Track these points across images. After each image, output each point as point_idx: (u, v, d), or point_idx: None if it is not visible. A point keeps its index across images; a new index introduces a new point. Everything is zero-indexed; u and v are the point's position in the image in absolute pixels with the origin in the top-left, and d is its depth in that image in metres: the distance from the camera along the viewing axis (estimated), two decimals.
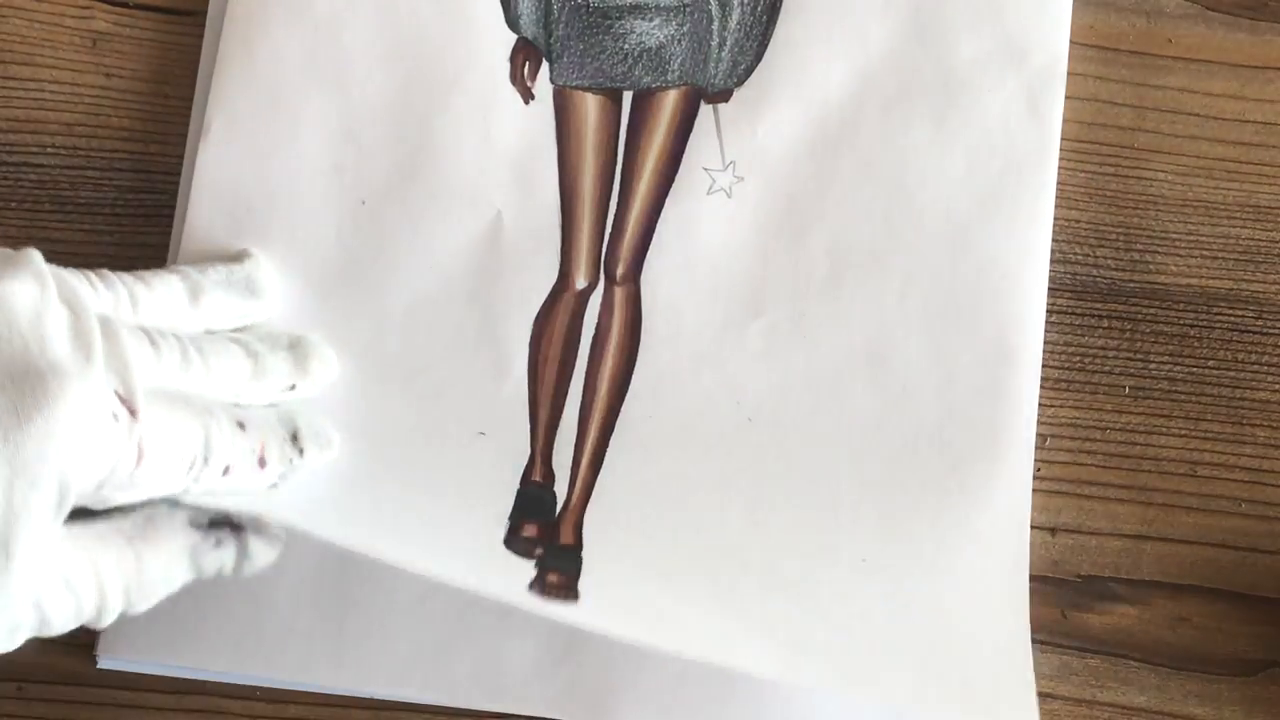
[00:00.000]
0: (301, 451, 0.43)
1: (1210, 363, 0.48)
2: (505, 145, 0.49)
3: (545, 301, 0.48)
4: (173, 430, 0.37)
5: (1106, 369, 0.48)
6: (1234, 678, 0.46)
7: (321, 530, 0.43)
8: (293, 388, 0.44)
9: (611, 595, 0.46)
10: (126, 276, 0.41)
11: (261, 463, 0.41)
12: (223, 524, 0.41)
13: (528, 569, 0.46)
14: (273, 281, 0.46)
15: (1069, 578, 0.47)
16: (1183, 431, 0.48)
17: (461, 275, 0.48)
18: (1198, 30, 0.50)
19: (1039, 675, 0.46)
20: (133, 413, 0.36)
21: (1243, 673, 0.46)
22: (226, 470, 0.39)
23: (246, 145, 0.49)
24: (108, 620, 0.38)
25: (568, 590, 0.46)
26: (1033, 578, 0.46)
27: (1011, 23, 0.49)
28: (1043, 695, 0.46)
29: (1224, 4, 0.50)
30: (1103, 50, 0.50)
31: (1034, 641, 0.46)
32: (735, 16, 0.49)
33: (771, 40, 0.49)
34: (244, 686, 0.45)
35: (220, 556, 0.41)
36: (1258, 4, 0.50)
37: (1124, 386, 0.48)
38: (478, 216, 0.48)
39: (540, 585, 0.45)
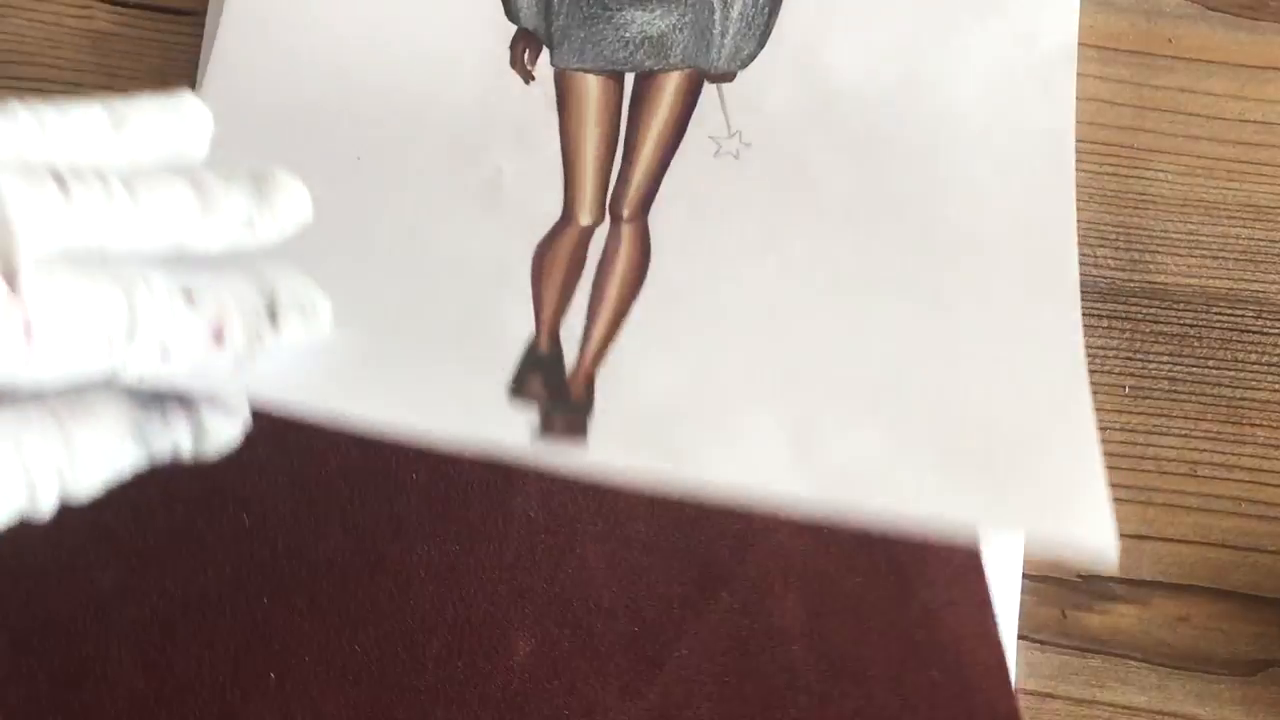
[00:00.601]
0: (277, 323, 0.36)
1: (1210, 363, 0.48)
2: (505, 126, 0.48)
3: (547, 235, 0.46)
4: (78, 300, 0.32)
5: (1106, 369, 0.48)
6: (1234, 678, 0.46)
7: (296, 399, 0.37)
8: (251, 224, 0.36)
9: (623, 436, 0.41)
10: (33, 101, 0.34)
11: (218, 339, 0.35)
12: (169, 397, 0.35)
13: (533, 419, 0.42)
14: (206, 113, 0.37)
15: (1069, 578, 0.47)
16: (1183, 431, 0.47)
17: (461, 220, 0.46)
18: (1198, 30, 0.50)
19: (1039, 675, 0.46)
20: (12, 287, 0.31)
21: (1243, 673, 0.46)
22: (166, 352, 0.34)
23: (243, 140, 0.49)
24: (45, 506, 0.33)
25: (576, 433, 0.42)
26: (1032, 577, 0.46)
27: (1018, 7, 0.48)
28: (1043, 695, 0.46)
29: (1224, 4, 0.50)
30: (1103, 50, 0.50)
31: (1034, 641, 0.46)
32: (737, 6, 0.49)
33: (774, 28, 0.49)
34: None
35: (172, 434, 0.35)
36: (1258, 4, 0.50)
37: (1124, 386, 0.48)
38: (479, 175, 0.47)
39: (547, 428, 0.41)
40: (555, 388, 0.43)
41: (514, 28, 0.49)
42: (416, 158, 0.48)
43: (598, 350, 0.44)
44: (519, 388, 0.42)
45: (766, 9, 0.49)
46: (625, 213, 0.47)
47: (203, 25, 0.50)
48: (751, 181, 0.47)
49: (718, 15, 0.49)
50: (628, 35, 0.49)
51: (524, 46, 0.49)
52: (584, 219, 0.47)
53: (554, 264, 0.46)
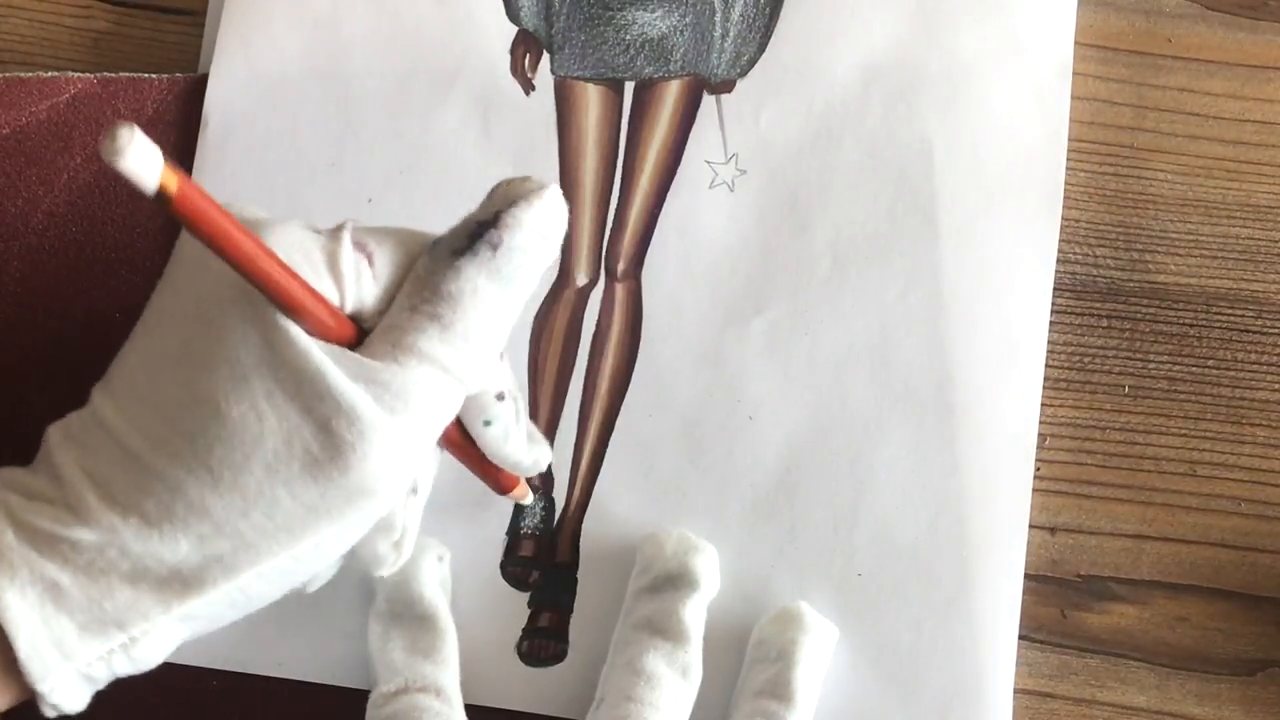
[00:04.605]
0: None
1: (1210, 362, 0.48)
2: (505, 140, 0.49)
3: (545, 299, 0.48)
4: None
5: (1106, 369, 0.48)
6: (1234, 678, 0.46)
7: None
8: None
9: (599, 636, 0.45)
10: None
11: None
12: None
13: (520, 610, 0.46)
14: None
15: (1069, 577, 0.47)
16: (1183, 431, 0.47)
17: None
18: (1198, 30, 0.50)
19: (1039, 675, 0.46)
20: None
21: (1243, 673, 0.46)
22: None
23: (244, 141, 0.49)
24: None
25: (558, 638, 0.45)
26: (1032, 577, 0.46)
27: (1016, 14, 0.48)
28: (1042, 695, 0.46)
29: (1224, 4, 0.50)
30: (1103, 50, 0.50)
31: (1034, 641, 0.46)
32: (738, 8, 0.49)
33: (775, 31, 0.49)
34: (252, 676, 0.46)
35: None
36: (1258, 4, 0.50)
37: (1124, 386, 0.48)
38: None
39: (530, 643, 0.45)
40: (544, 546, 0.46)
41: (514, 31, 0.49)
42: (422, 185, 0.48)
43: (585, 484, 0.46)
44: (510, 559, 0.46)
45: (768, 10, 0.49)
46: (620, 266, 0.48)
47: (203, 25, 0.50)
48: (743, 226, 0.48)
49: (719, 17, 0.49)
50: (628, 37, 0.49)
51: (524, 50, 0.49)
52: (580, 277, 0.48)
53: (551, 339, 0.47)
